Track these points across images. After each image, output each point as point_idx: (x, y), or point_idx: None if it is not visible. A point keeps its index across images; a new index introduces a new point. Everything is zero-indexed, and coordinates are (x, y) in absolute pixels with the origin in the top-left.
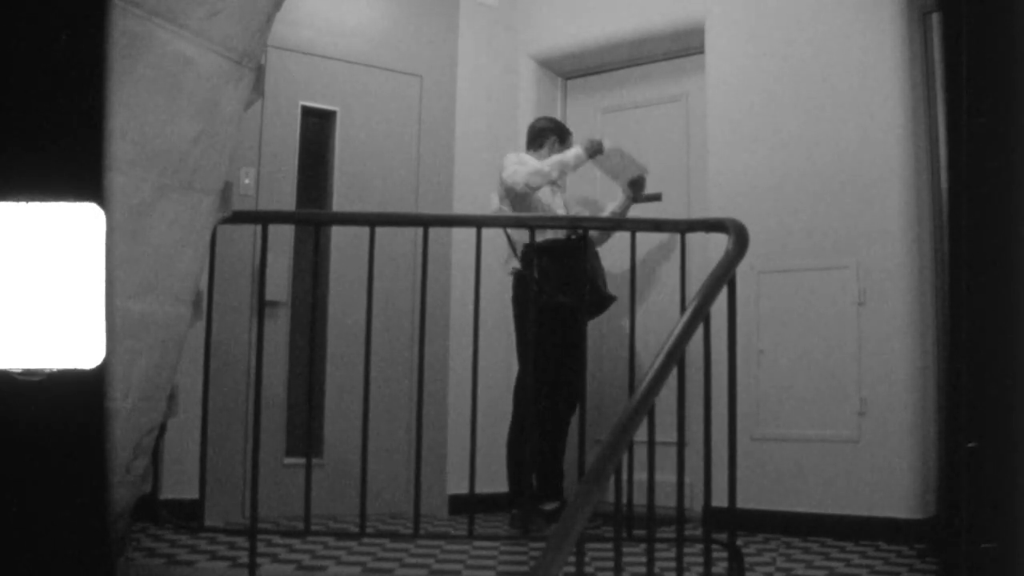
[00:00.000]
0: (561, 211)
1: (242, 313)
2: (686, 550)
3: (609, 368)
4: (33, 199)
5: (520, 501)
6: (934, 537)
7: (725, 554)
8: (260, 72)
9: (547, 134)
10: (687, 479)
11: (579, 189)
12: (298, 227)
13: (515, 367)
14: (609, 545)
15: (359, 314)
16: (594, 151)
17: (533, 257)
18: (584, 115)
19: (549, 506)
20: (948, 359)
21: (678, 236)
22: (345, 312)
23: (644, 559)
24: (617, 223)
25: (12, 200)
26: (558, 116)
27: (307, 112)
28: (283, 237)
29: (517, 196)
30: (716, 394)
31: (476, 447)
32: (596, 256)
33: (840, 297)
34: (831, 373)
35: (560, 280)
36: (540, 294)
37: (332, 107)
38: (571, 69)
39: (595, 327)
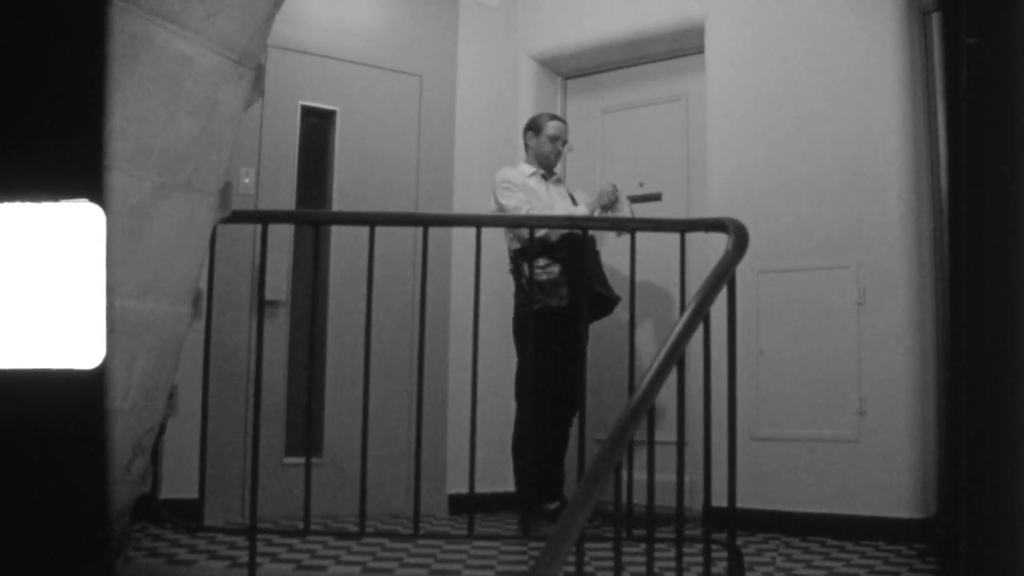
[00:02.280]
0: (560, 203)
1: (242, 313)
2: (686, 550)
3: (609, 368)
4: (32, 199)
5: (523, 501)
6: (934, 537)
7: (725, 554)
8: (260, 72)
9: (525, 134)
10: (687, 479)
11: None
12: (298, 227)
13: (513, 367)
14: (609, 545)
15: (359, 314)
16: (605, 207)
17: (522, 262)
18: (584, 115)
19: (551, 506)
20: (948, 359)
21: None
22: (345, 312)
23: (644, 559)
24: (617, 223)
25: (11, 200)
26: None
27: (307, 112)
28: (283, 237)
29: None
30: (716, 394)
31: (476, 447)
32: (596, 257)
33: (840, 297)
34: (831, 373)
35: (553, 284)
36: (532, 301)
37: (332, 107)
38: (571, 69)
39: (595, 327)
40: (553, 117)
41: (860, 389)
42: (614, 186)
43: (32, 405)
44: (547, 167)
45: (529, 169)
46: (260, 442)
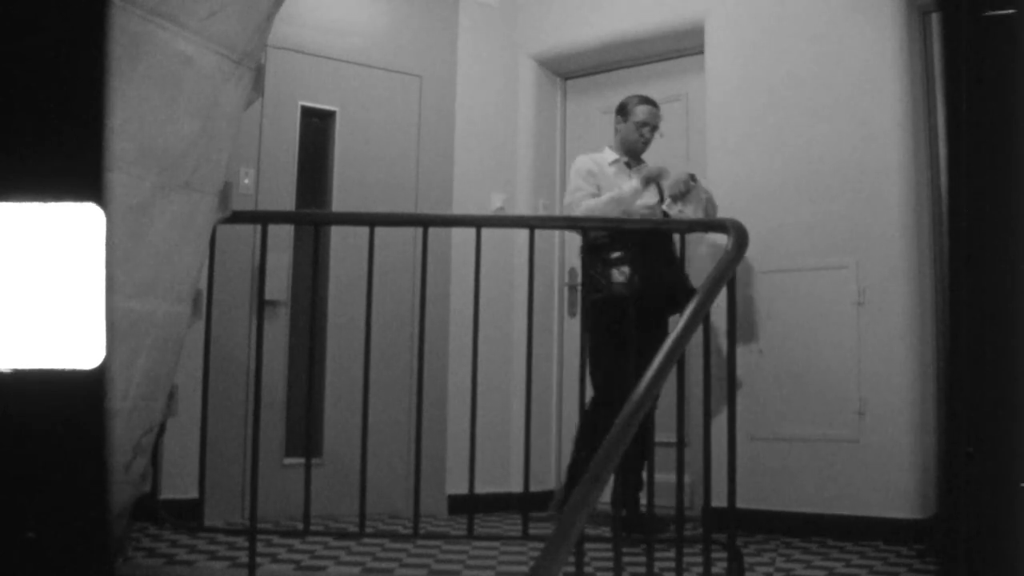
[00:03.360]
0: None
1: (242, 313)
2: (686, 550)
3: None
4: (33, 199)
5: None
6: (934, 537)
7: (725, 554)
8: (260, 72)
9: (614, 117)
10: (687, 479)
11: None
12: (298, 227)
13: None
14: (609, 545)
15: (359, 314)
16: (649, 180)
17: (587, 257)
18: (584, 115)
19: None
20: (948, 359)
21: None
22: (345, 312)
23: (644, 559)
24: (618, 223)
25: (11, 200)
26: (557, 116)
27: (307, 112)
28: (283, 237)
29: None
30: (716, 394)
31: (476, 447)
32: (668, 246)
33: (840, 297)
34: (831, 373)
35: (624, 279)
36: (595, 291)
37: (332, 107)
38: (571, 69)
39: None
40: (644, 100)
41: (860, 389)
42: (689, 176)
43: (32, 405)
44: (633, 155)
45: (611, 156)
46: (260, 442)
